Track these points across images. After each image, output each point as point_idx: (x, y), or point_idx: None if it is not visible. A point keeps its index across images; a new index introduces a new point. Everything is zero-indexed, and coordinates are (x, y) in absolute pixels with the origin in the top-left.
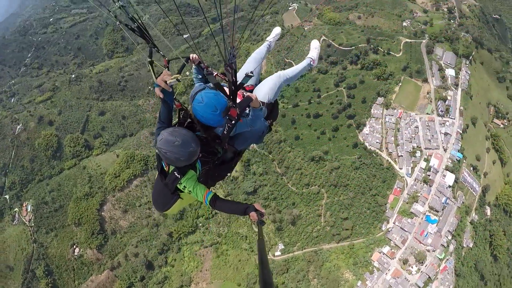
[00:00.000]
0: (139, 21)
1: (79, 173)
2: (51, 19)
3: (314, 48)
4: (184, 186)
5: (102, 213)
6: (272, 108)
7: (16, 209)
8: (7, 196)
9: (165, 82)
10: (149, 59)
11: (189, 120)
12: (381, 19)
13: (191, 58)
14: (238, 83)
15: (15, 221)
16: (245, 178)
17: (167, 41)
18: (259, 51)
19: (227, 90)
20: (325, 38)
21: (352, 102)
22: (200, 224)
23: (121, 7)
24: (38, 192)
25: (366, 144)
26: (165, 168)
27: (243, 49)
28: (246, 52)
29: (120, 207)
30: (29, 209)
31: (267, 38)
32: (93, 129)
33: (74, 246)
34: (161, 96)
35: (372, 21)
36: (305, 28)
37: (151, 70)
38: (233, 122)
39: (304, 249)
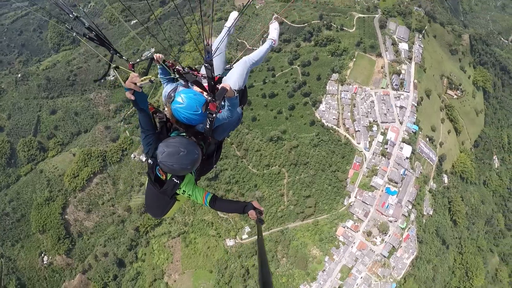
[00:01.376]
0: (97, 30)
1: (36, 178)
2: None
3: (274, 29)
4: (183, 191)
5: (66, 216)
6: (242, 93)
7: None
8: None
9: (135, 84)
10: (114, 65)
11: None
12: None
13: (155, 58)
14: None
15: None
16: None
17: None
18: (220, 38)
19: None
20: (277, 16)
21: (307, 80)
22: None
23: (76, 18)
24: None
25: (323, 121)
26: (161, 177)
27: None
28: (196, 34)
29: (83, 208)
30: None
31: (226, 24)
32: (45, 129)
33: (43, 255)
34: (133, 98)
35: None
36: (257, 7)
37: (117, 76)
38: (213, 115)
39: (270, 229)
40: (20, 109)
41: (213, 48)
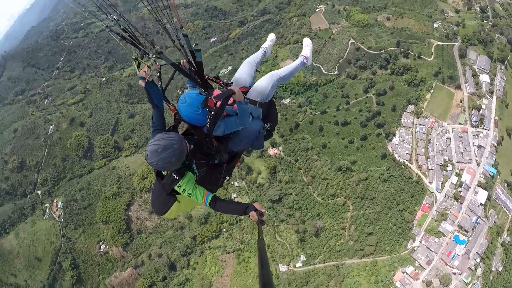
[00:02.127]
0: (130, 31)
1: (108, 173)
2: (81, 24)
3: (307, 45)
4: (183, 189)
5: (129, 213)
6: (268, 109)
7: (47, 204)
8: (39, 192)
9: (145, 72)
10: (134, 57)
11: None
12: (411, 20)
13: (181, 63)
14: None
15: (45, 215)
16: (271, 185)
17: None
18: (255, 56)
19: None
20: (353, 41)
21: (382, 110)
22: (224, 230)
23: (114, 20)
24: (69, 189)
25: (395, 155)
26: (163, 172)
27: (272, 53)
28: (273, 56)
29: (147, 208)
30: (59, 205)
31: (263, 45)
32: (122, 131)
33: (101, 243)
34: (143, 85)
35: (402, 22)
36: (333, 31)
37: (134, 66)
38: (212, 113)
39: (326, 262)
40: (102, 109)
41: (249, 61)
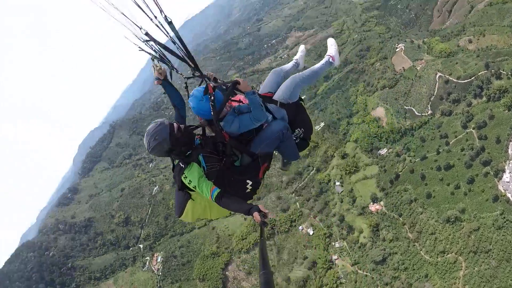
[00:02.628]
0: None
1: (208, 233)
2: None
3: (331, 45)
4: (189, 181)
5: (226, 273)
6: (296, 113)
7: (148, 257)
8: (141, 246)
9: (159, 73)
10: (152, 57)
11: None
12: (493, 36)
13: (207, 74)
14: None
15: (145, 267)
16: (374, 245)
17: None
18: (284, 66)
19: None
20: (440, 74)
21: (485, 144)
22: None
23: (147, 34)
24: (169, 246)
25: (509, 195)
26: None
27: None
28: (363, 105)
29: (245, 269)
30: (159, 260)
31: (295, 57)
32: None
33: None
34: (155, 83)
35: (485, 41)
36: (418, 68)
37: (154, 67)
38: (212, 98)
39: None
40: None
41: (277, 70)
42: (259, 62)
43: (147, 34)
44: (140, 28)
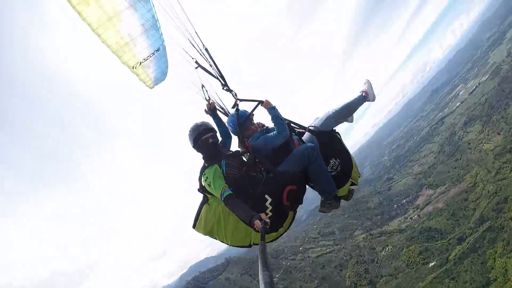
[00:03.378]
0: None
1: None
2: (300, 248)
3: (364, 83)
4: (206, 178)
5: None
6: (329, 142)
7: None
8: None
9: (209, 103)
10: (202, 84)
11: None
12: None
13: (264, 101)
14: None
15: None
16: None
17: None
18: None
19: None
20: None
21: None
22: None
23: (198, 66)
24: None
25: None
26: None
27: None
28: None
29: None
30: None
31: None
32: None
33: None
34: (205, 113)
35: None
36: None
37: (204, 92)
38: (237, 108)
39: None
40: None
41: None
42: (387, 223)
43: (196, 62)
44: (192, 58)
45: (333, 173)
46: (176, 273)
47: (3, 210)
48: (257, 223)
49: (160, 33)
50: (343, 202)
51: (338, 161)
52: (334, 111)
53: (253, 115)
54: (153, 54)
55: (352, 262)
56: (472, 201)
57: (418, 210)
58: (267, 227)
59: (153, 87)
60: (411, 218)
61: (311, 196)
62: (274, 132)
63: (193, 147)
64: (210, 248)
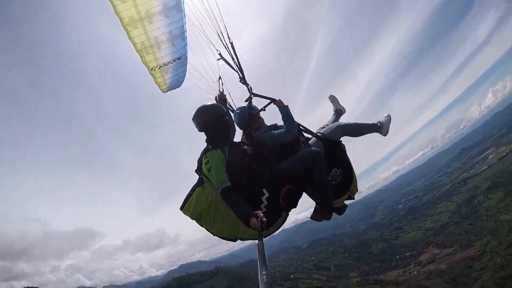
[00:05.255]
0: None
1: None
2: (292, 276)
3: (385, 116)
4: (207, 161)
5: None
6: (333, 150)
7: None
8: None
9: (221, 93)
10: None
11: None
12: None
13: (277, 100)
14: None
15: None
16: None
17: None
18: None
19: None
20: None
21: None
22: None
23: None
24: None
25: None
26: None
27: None
28: None
29: None
30: None
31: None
32: None
33: None
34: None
35: None
36: None
37: (221, 85)
38: (251, 101)
39: None
40: None
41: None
42: (385, 273)
43: (220, 54)
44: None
45: (333, 182)
46: (165, 267)
47: None
48: (254, 221)
49: (185, 43)
50: (347, 240)
51: (340, 171)
52: (345, 123)
53: (264, 110)
54: (174, 61)
55: None
56: (476, 270)
57: (419, 267)
58: (264, 225)
59: (166, 92)
60: (410, 273)
61: (317, 228)
62: (283, 129)
63: (205, 123)
64: (205, 252)
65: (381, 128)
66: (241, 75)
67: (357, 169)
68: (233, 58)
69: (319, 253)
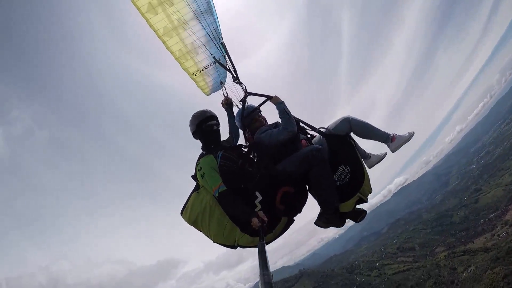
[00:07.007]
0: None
1: None
2: (377, 263)
3: (407, 132)
4: (200, 167)
5: None
6: (339, 146)
7: None
8: None
9: (226, 99)
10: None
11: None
12: None
13: (273, 97)
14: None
15: None
16: None
17: None
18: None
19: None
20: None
21: None
22: None
23: (217, 62)
24: None
25: None
26: None
27: None
28: None
29: None
30: None
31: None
32: None
33: None
34: (222, 106)
35: None
36: None
37: (223, 90)
38: (245, 101)
39: None
40: None
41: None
42: (472, 241)
43: (214, 57)
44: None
45: (339, 183)
46: (251, 280)
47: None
48: (255, 220)
49: (222, 43)
50: (426, 215)
51: (348, 169)
52: (353, 118)
53: (259, 110)
54: (213, 63)
55: (430, 282)
56: None
57: (507, 227)
58: (265, 225)
59: (209, 95)
60: (498, 235)
61: (392, 209)
62: (280, 127)
63: (194, 132)
64: (288, 257)
65: (390, 141)
66: (234, 75)
67: (417, 140)
68: (225, 58)
69: (401, 235)
